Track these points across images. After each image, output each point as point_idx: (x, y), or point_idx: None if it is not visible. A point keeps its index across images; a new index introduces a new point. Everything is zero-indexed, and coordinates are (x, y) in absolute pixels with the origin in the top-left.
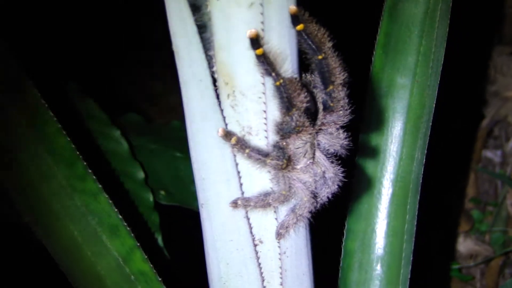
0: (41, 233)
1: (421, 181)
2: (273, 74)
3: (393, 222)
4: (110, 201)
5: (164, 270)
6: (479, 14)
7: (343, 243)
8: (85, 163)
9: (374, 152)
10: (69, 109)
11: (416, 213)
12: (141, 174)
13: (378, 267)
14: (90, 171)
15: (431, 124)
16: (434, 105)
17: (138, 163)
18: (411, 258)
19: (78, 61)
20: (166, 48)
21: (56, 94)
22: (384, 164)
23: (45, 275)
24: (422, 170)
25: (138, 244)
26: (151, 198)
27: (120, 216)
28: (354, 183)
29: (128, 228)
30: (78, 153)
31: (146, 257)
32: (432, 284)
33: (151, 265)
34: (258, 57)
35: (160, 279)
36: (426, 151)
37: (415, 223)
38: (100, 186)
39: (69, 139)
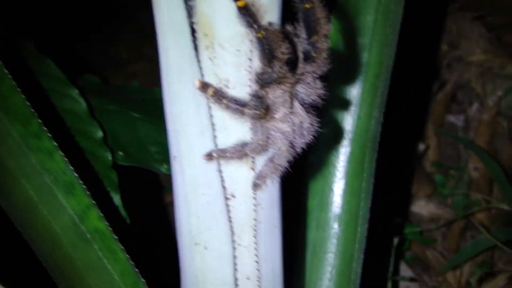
0: None
1: (379, 139)
2: (255, 25)
3: (351, 180)
4: (66, 159)
5: (122, 230)
6: None
7: (302, 202)
8: (40, 121)
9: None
10: (25, 68)
11: (374, 172)
12: (99, 133)
13: (336, 226)
14: (45, 129)
15: (389, 83)
16: (392, 64)
17: (97, 122)
18: (368, 217)
19: (40, 24)
20: (134, 15)
21: (13, 53)
22: (342, 123)
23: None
24: (380, 129)
25: (94, 202)
26: (110, 157)
27: (76, 174)
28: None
29: (84, 186)
30: (33, 110)
31: (102, 215)
32: (391, 247)
33: (107, 223)
34: (240, 8)
35: (116, 237)
36: (384, 109)
37: (372, 182)
38: (55, 144)
39: (24, 96)
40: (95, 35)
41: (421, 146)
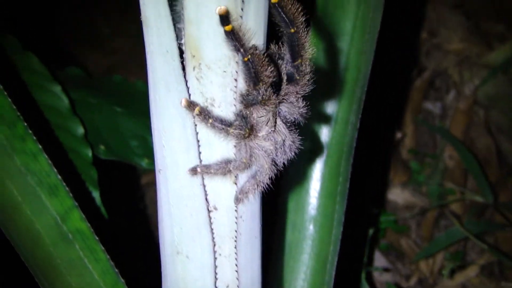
0: None
1: (354, 144)
2: (242, 50)
3: (327, 183)
4: (50, 162)
5: (102, 228)
6: None
7: (280, 203)
8: (25, 124)
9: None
10: (7, 63)
11: (349, 176)
12: (80, 130)
13: (311, 227)
14: (30, 131)
15: (366, 89)
16: (369, 70)
17: (78, 119)
18: (343, 219)
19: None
20: None
21: None
22: (320, 127)
23: None
24: (356, 134)
25: (76, 203)
26: (90, 154)
27: (59, 177)
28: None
29: (67, 188)
30: (19, 113)
31: (83, 216)
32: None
33: (88, 224)
34: (227, 33)
35: (97, 238)
36: (360, 115)
37: (348, 186)
38: (40, 146)
39: (10, 100)
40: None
41: (398, 134)
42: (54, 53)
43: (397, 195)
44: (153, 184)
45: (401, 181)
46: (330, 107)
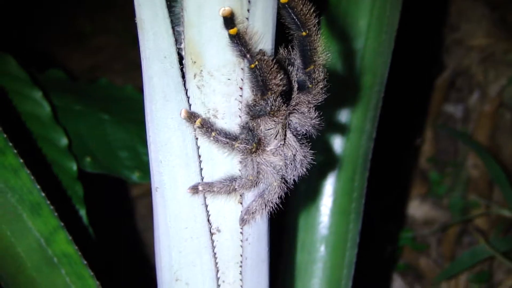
0: None
1: (370, 156)
2: (248, 55)
3: (339, 199)
4: (32, 177)
5: (91, 248)
6: None
7: (289, 220)
8: (5, 135)
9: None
10: None
11: (365, 191)
12: (64, 140)
13: (322, 249)
14: (10, 144)
15: (383, 94)
16: (387, 73)
17: (61, 128)
18: (358, 239)
19: None
20: None
21: None
22: (332, 137)
23: None
24: (372, 144)
25: (62, 223)
26: (75, 167)
27: (43, 194)
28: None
29: (51, 207)
30: None
31: (70, 238)
32: (382, 255)
33: (76, 247)
34: (232, 37)
35: (85, 262)
36: (377, 123)
37: (363, 202)
38: (21, 160)
39: None
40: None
41: (416, 140)
42: (33, 54)
43: (415, 209)
44: (144, 196)
45: (420, 193)
46: (343, 115)
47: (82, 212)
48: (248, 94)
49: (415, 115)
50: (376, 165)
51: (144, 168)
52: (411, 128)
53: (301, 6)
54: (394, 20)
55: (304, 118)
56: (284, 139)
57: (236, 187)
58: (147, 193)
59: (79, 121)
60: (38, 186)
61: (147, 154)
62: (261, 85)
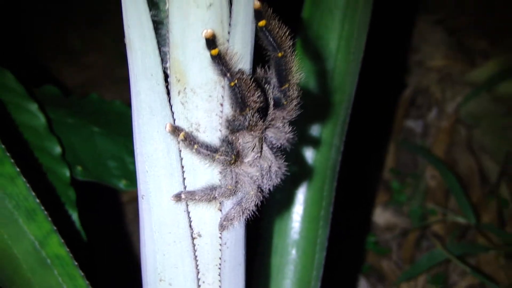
0: None
1: (338, 168)
2: (228, 74)
3: (310, 207)
4: (28, 185)
5: (82, 252)
6: None
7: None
8: (3, 146)
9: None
10: None
11: (333, 200)
12: (57, 149)
13: (293, 252)
14: (8, 154)
15: (350, 111)
16: (354, 91)
17: (55, 138)
18: (326, 244)
19: None
20: (87, 5)
21: None
22: (304, 150)
23: None
24: (340, 157)
25: (55, 228)
26: (68, 174)
27: (38, 200)
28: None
29: (45, 212)
30: None
31: (62, 241)
32: (347, 258)
33: (68, 250)
34: (214, 57)
35: (76, 263)
36: (345, 138)
37: (331, 210)
38: (18, 169)
39: None
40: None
41: (380, 153)
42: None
43: (378, 216)
44: (133, 202)
45: (382, 201)
46: (315, 130)
47: (75, 216)
48: (228, 110)
49: (379, 130)
50: (343, 176)
51: (130, 176)
52: (376, 142)
53: (277, 29)
54: (361, 42)
55: (279, 132)
56: (261, 151)
57: (216, 195)
58: (136, 199)
59: (71, 133)
60: (33, 193)
61: (133, 164)
62: (240, 102)
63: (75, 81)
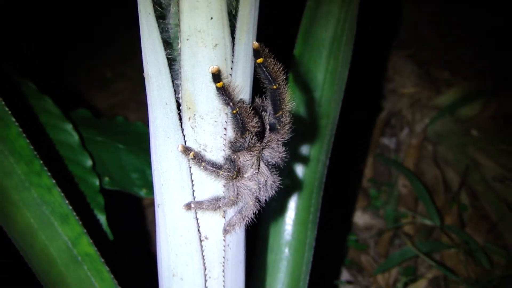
0: (2, 221)
1: (324, 179)
2: (231, 103)
3: (300, 213)
4: (62, 194)
5: (108, 250)
6: (381, 21)
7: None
8: (41, 161)
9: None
10: (26, 105)
11: (320, 206)
12: (89, 162)
13: (286, 250)
14: (45, 168)
15: (334, 132)
16: (338, 115)
17: (87, 153)
18: (314, 243)
19: (30, 53)
20: (115, 40)
21: (14, 94)
22: (295, 165)
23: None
24: (326, 171)
25: (85, 230)
26: (97, 182)
27: (70, 207)
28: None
29: (76, 217)
30: (35, 152)
31: (91, 241)
32: (332, 253)
33: (96, 248)
34: (218, 89)
35: (103, 260)
36: (330, 154)
37: (318, 215)
38: (53, 181)
39: (28, 141)
40: (80, 57)
41: (359, 166)
42: (66, 95)
43: (358, 218)
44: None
45: (362, 206)
46: (304, 149)
47: (103, 219)
48: (231, 133)
49: (359, 146)
50: (329, 185)
51: (150, 186)
52: (356, 156)
53: (273, 65)
54: (344, 74)
55: (274, 152)
56: (258, 168)
57: (220, 205)
58: (154, 204)
59: (101, 149)
60: (67, 201)
61: (152, 176)
62: (241, 126)
63: (105, 105)
